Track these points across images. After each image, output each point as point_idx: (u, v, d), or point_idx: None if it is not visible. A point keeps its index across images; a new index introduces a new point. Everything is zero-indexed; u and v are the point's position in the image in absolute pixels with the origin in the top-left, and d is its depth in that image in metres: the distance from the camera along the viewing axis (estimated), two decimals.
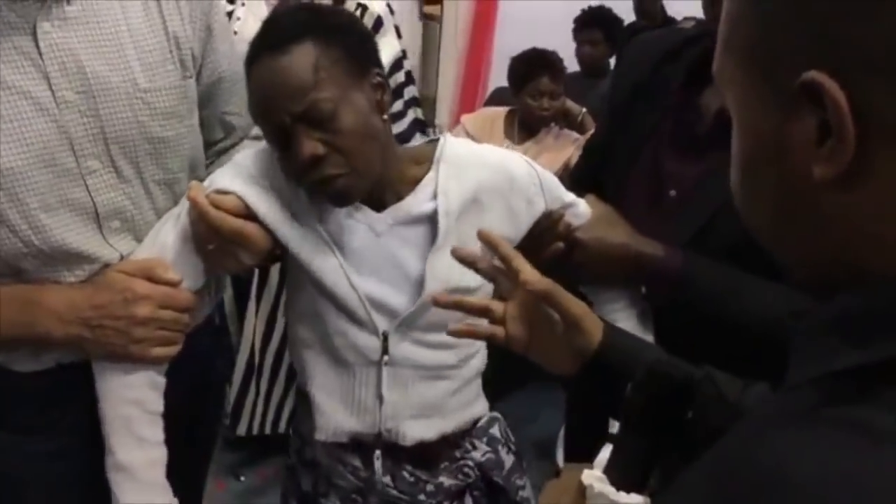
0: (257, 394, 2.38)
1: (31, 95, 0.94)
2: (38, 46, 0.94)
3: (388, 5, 2.10)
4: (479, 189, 1.07)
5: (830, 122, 0.41)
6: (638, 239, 1.12)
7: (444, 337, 1.09)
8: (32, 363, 1.07)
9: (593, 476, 0.76)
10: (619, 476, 0.75)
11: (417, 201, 1.07)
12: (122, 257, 1.06)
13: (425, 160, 1.09)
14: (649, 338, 1.16)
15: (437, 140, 1.11)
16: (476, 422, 1.21)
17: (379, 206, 1.07)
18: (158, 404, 1.07)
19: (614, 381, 1.11)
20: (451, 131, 3.37)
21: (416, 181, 1.08)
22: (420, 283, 1.07)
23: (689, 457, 0.52)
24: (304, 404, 1.17)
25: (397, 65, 2.10)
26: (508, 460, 1.22)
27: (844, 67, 0.41)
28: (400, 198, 1.07)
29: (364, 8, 2.02)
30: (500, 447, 1.22)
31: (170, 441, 1.09)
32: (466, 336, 0.97)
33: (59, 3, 0.95)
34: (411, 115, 2.17)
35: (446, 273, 1.06)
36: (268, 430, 2.41)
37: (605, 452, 0.79)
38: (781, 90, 0.44)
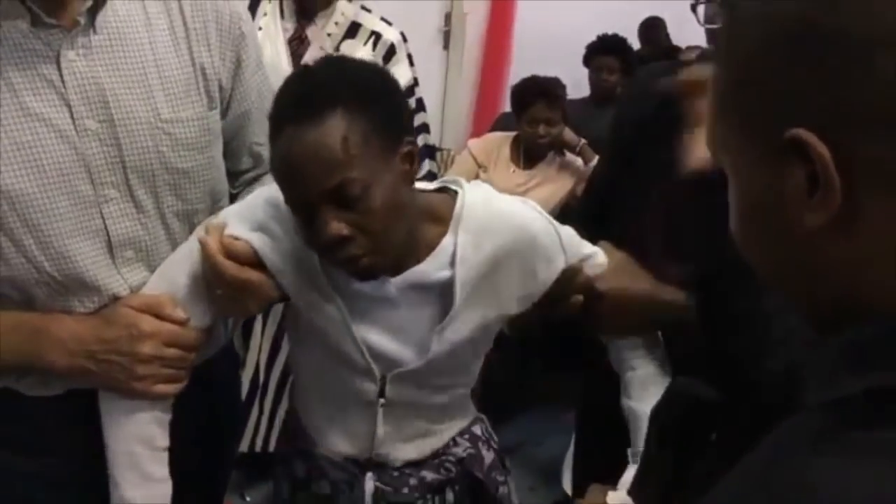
0: (261, 412, 2.37)
1: (51, 122, 0.94)
2: (61, 74, 0.94)
3: (402, 33, 2.11)
4: (498, 253, 1.04)
5: (818, 174, 0.45)
6: (659, 287, 1.10)
7: (440, 380, 1.13)
8: (41, 388, 1.07)
9: (619, 497, 0.77)
10: (644, 498, 0.76)
11: (433, 268, 1.04)
12: (131, 289, 1.05)
13: (443, 219, 1.05)
14: (665, 384, 1.10)
15: (454, 191, 1.07)
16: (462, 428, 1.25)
17: (395, 270, 1.04)
18: (164, 440, 1.07)
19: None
20: (458, 154, 3.40)
21: (433, 244, 1.04)
22: (426, 342, 1.07)
23: (714, 479, 0.53)
24: (296, 415, 1.21)
25: (409, 92, 2.12)
26: (489, 457, 1.25)
27: (827, 124, 0.45)
28: (417, 261, 1.04)
29: (378, 35, 2.04)
30: (480, 444, 1.24)
31: (189, 466, 1.09)
32: None
33: (85, 32, 0.96)
34: (420, 141, 2.20)
35: (454, 335, 1.06)
36: (271, 448, 2.41)
37: (629, 474, 0.80)
38: (772, 147, 0.47)
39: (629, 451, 1.12)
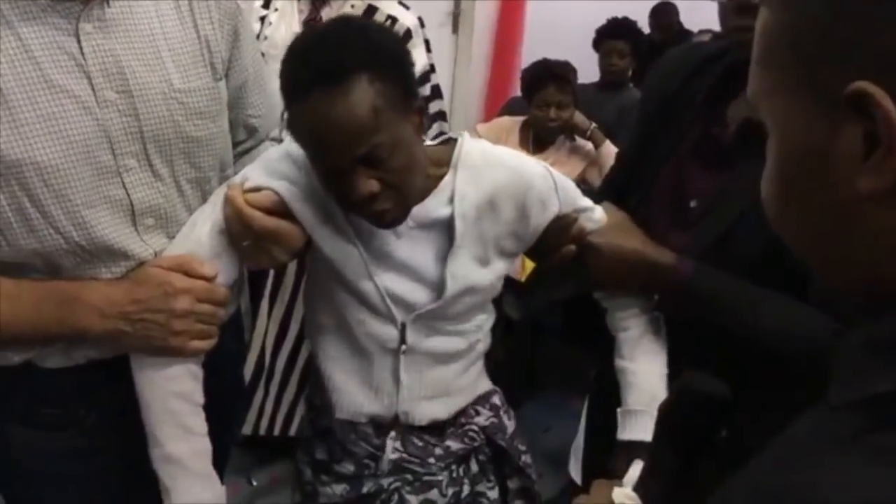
0: (266, 395, 2.37)
1: (74, 94, 0.96)
2: (80, 47, 0.96)
3: (420, 18, 2.09)
4: (494, 191, 1.10)
5: (879, 133, 0.41)
6: (651, 247, 1.13)
7: (456, 326, 1.17)
8: (63, 359, 1.09)
9: (624, 494, 0.76)
10: (650, 494, 0.75)
11: (435, 205, 1.10)
12: (155, 254, 1.08)
13: (444, 162, 1.11)
14: (661, 346, 1.17)
15: (456, 140, 1.14)
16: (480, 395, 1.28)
17: None
18: (200, 395, 1.10)
19: None
20: None
21: (435, 184, 1.10)
22: (437, 282, 1.12)
23: (723, 477, 0.51)
24: (318, 381, 1.22)
25: (424, 78, 2.10)
26: (510, 425, 1.28)
27: (891, 77, 0.40)
28: (421, 200, 1.09)
29: (394, 20, 2.01)
30: (501, 412, 1.28)
31: None
32: None
33: (100, 6, 0.98)
34: (436, 128, 2.18)
35: (464, 274, 1.11)
36: (276, 431, 2.41)
37: (636, 469, 0.79)
38: (824, 101, 0.43)
39: (618, 410, 1.15)
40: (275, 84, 1.01)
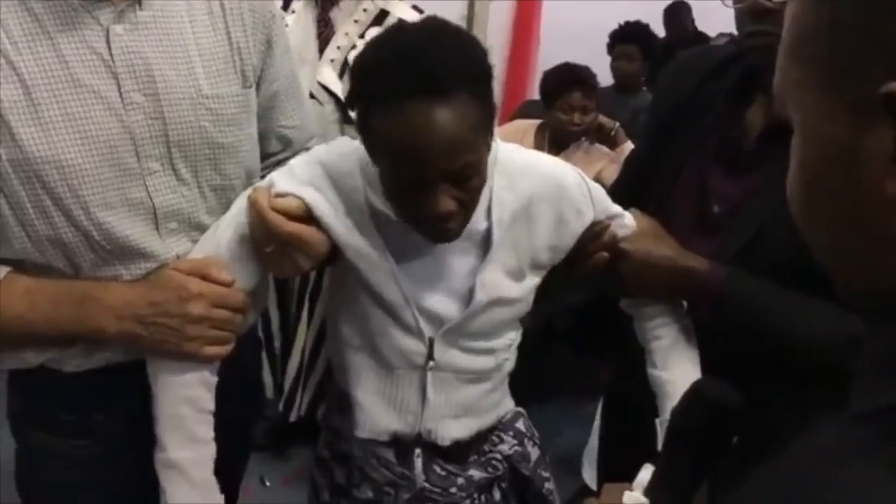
0: (304, 385, 2.35)
1: (100, 94, 0.96)
2: (109, 48, 0.96)
3: (416, 7, 2.02)
4: (531, 199, 1.07)
5: None
6: (683, 253, 1.12)
7: (485, 343, 1.13)
8: (84, 361, 1.08)
9: (634, 498, 0.76)
10: (662, 500, 0.75)
11: (475, 217, 1.05)
12: (177, 256, 1.08)
13: None
14: (694, 353, 1.16)
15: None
16: (503, 417, 1.24)
17: None
18: (210, 403, 1.09)
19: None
20: None
21: None
22: (468, 293, 1.09)
23: (735, 483, 0.51)
24: (336, 400, 1.20)
25: None
26: (534, 453, 1.26)
27: None
28: None
29: (385, 13, 1.97)
30: (525, 440, 1.25)
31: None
32: None
33: (131, 8, 0.98)
34: None
35: (494, 284, 1.08)
36: (303, 410, 2.38)
37: (646, 473, 0.78)
38: (855, 100, 0.42)
39: (657, 420, 1.13)
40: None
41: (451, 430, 1.17)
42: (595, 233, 1.13)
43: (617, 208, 1.15)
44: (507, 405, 1.26)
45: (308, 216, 1.02)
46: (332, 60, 1.91)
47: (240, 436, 1.38)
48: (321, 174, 1.04)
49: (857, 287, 0.49)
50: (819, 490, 0.40)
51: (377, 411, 1.15)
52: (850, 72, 0.43)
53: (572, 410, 2.81)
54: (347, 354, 1.16)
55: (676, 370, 1.15)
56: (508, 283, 1.09)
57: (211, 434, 1.09)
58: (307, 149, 1.26)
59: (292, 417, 2.38)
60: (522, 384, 1.34)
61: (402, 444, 1.17)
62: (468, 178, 0.94)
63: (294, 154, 1.25)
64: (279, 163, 1.23)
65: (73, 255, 1.01)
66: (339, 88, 1.88)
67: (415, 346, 1.11)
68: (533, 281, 1.14)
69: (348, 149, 1.06)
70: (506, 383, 1.24)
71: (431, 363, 1.12)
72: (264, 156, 1.22)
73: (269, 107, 1.18)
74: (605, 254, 1.13)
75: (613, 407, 1.45)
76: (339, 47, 1.92)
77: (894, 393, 0.41)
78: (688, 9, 4.23)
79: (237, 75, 1.09)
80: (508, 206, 1.07)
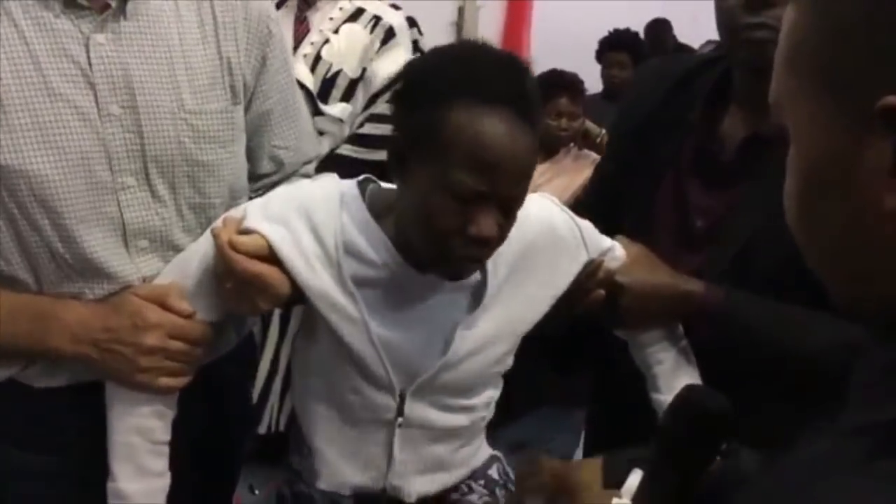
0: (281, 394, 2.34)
1: (75, 104, 0.94)
2: (89, 57, 0.94)
3: (409, 18, 2.01)
4: (525, 250, 1.03)
5: None
6: (679, 277, 1.10)
7: (461, 400, 1.09)
8: (48, 378, 1.06)
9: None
10: None
11: None
12: (144, 279, 1.04)
13: None
14: (695, 374, 1.13)
15: None
16: (476, 467, 1.19)
17: (423, 265, 1.01)
18: (164, 434, 1.04)
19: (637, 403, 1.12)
20: None
21: None
22: (447, 345, 1.03)
23: (724, 492, 0.50)
24: (297, 443, 1.15)
25: None
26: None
27: None
28: None
29: (378, 19, 1.95)
30: (497, 489, 1.20)
31: (195, 466, 1.08)
32: None
33: (115, 18, 0.96)
34: None
35: (476, 337, 1.04)
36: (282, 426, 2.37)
37: (634, 479, 0.78)
38: (853, 112, 0.42)
39: None
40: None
41: (419, 486, 1.11)
42: (590, 272, 1.10)
43: (607, 241, 1.12)
44: (483, 454, 1.20)
45: (269, 256, 0.96)
46: (304, 56, 1.90)
47: (228, 450, 1.36)
48: (297, 211, 0.98)
49: (851, 299, 0.48)
50: (810, 501, 0.40)
51: (339, 465, 1.09)
52: (848, 83, 0.42)
53: (565, 418, 2.80)
54: (310, 403, 1.10)
55: None
56: (494, 337, 1.05)
57: (163, 466, 1.05)
58: (305, 174, 1.24)
59: (261, 429, 2.34)
60: (512, 395, 1.32)
61: (365, 499, 1.12)
62: (514, 209, 0.92)
63: (287, 177, 1.22)
64: (272, 185, 1.20)
65: (37, 267, 0.98)
66: (311, 82, 1.87)
67: (384, 401, 1.05)
68: (517, 337, 1.10)
69: (331, 187, 1.01)
70: (482, 435, 1.19)
71: (400, 419, 1.05)
72: (256, 177, 1.19)
73: (261, 125, 1.15)
74: (601, 291, 1.10)
75: (597, 418, 1.44)
76: (312, 43, 1.92)
77: (889, 409, 0.41)
78: (668, 26, 4.26)
79: (226, 91, 1.06)
80: (504, 257, 1.02)
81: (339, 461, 1.09)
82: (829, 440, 0.44)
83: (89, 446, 1.07)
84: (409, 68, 0.99)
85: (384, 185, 1.05)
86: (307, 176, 1.25)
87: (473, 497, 1.17)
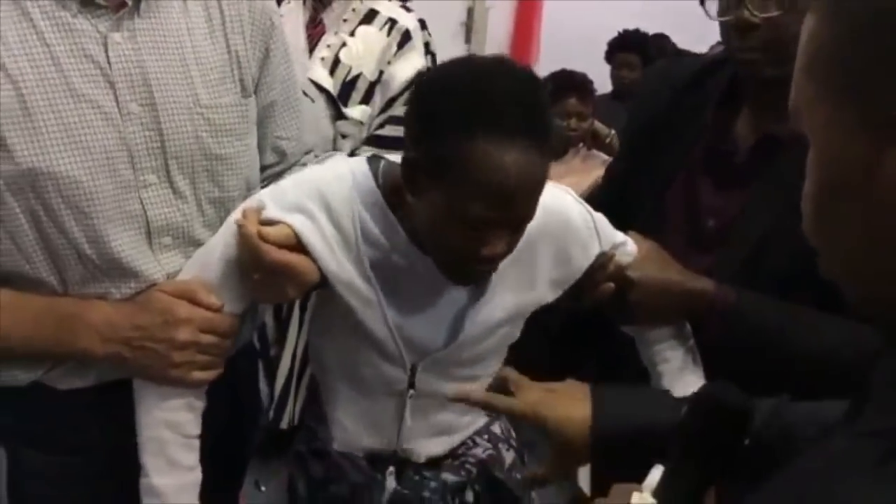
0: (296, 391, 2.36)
1: (97, 104, 0.94)
2: (107, 56, 0.95)
3: (421, 21, 2.01)
4: (533, 237, 1.04)
5: None
6: (689, 275, 1.11)
7: (470, 371, 1.12)
8: (75, 379, 1.06)
9: (643, 499, 0.76)
10: (671, 501, 0.75)
11: None
12: (167, 276, 1.05)
13: None
14: (701, 373, 1.14)
15: None
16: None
17: None
18: (195, 428, 1.06)
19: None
20: None
21: None
22: (455, 324, 1.08)
23: (743, 488, 0.51)
24: (316, 406, 1.21)
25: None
26: (509, 457, 1.25)
27: None
28: None
29: (394, 22, 1.96)
30: (500, 444, 1.25)
31: (204, 461, 1.08)
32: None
33: (130, 16, 0.97)
34: None
35: (485, 320, 1.08)
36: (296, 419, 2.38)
37: (655, 474, 0.79)
38: (871, 119, 0.42)
39: None
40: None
41: (427, 448, 1.19)
42: (601, 264, 1.11)
43: (620, 235, 1.13)
44: (485, 416, 1.25)
45: (296, 244, 0.99)
46: (322, 59, 1.91)
47: (238, 445, 1.37)
48: (313, 198, 1.00)
49: (872, 301, 0.48)
50: (824, 501, 0.40)
51: (354, 430, 1.16)
52: (865, 91, 0.43)
53: None
54: (327, 376, 1.17)
55: (688, 391, 1.11)
56: (500, 318, 1.09)
57: (194, 460, 1.06)
58: (303, 164, 1.25)
59: (283, 424, 2.37)
60: None
61: (377, 458, 1.19)
62: (523, 226, 0.95)
63: (289, 167, 1.23)
64: (274, 176, 1.21)
65: (63, 269, 0.99)
66: (330, 85, 1.88)
67: (396, 374, 1.10)
68: (525, 316, 1.13)
69: (344, 170, 1.02)
70: None
71: (412, 391, 1.11)
72: (260, 168, 1.20)
73: (266, 117, 1.16)
74: (611, 284, 1.11)
75: None
76: (329, 45, 1.92)
77: None
78: (667, 41, 4.27)
79: (236, 84, 1.07)
80: None
81: (353, 428, 1.16)
82: (845, 441, 0.44)
83: (110, 447, 1.08)
84: (424, 90, 0.96)
85: (392, 159, 1.04)
86: (305, 166, 1.26)
87: (478, 450, 1.23)
